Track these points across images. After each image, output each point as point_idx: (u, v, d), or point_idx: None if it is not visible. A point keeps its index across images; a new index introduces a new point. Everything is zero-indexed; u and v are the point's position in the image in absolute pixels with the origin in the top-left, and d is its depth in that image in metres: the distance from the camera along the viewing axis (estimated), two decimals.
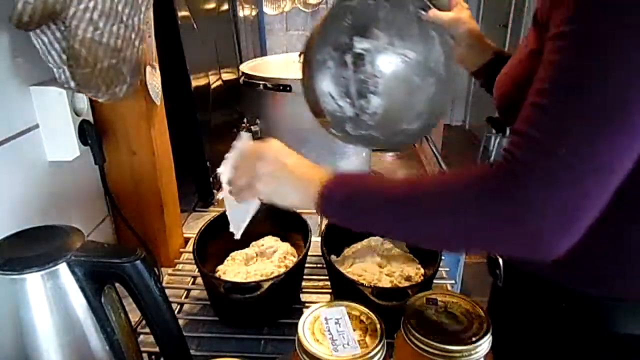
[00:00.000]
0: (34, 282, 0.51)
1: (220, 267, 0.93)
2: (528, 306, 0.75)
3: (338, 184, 0.61)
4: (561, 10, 0.50)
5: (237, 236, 0.76)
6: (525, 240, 0.51)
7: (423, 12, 0.93)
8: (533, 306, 0.73)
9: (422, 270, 0.92)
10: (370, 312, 0.59)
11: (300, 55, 0.97)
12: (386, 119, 1.00)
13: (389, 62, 1.01)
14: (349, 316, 0.58)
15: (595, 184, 0.49)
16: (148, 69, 0.87)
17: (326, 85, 0.98)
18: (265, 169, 0.64)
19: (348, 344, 0.54)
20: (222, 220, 0.95)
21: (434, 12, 0.91)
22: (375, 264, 0.90)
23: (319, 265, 1.00)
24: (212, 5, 1.47)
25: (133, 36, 0.76)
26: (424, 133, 0.98)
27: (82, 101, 0.84)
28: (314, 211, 0.62)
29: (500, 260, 0.75)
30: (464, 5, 0.92)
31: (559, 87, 0.49)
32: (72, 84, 0.72)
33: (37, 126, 0.77)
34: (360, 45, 0.99)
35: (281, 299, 0.88)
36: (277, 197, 0.65)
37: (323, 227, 1.02)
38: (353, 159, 1.17)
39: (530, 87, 0.52)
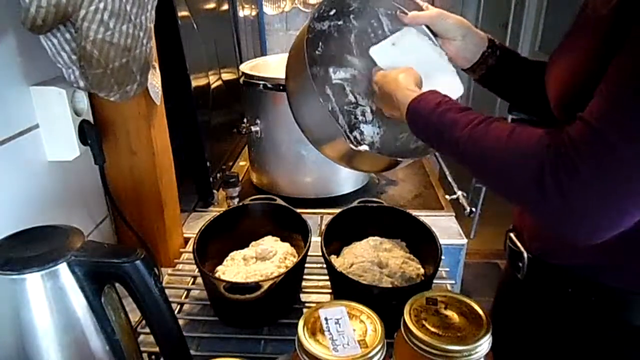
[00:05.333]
0: (34, 282, 0.51)
1: (220, 267, 0.93)
2: (546, 299, 0.74)
3: (422, 101, 0.71)
4: None
5: None
6: (556, 219, 0.54)
7: (404, 15, 0.86)
8: (554, 299, 0.73)
9: (422, 270, 0.92)
10: (371, 312, 0.59)
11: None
12: (388, 146, 0.91)
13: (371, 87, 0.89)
14: (349, 316, 0.58)
15: None
16: None
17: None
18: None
19: (348, 344, 0.54)
20: (222, 220, 0.96)
21: (414, 14, 0.85)
22: (375, 264, 0.90)
23: (319, 265, 1.00)
24: (212, 5, 1.47)
25: (141, 35, 0.76)
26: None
27: (82, 101, 0.84)
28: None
29: (525, 254, 0.75)
30: (434, 8, 0.86)
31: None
32: (82, 84, 0.73)
33: (37, 126, 0.77)
34: (337, 76, 0.92)
35: (281, 299, 0.87)
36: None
37: (323, 227, 1.02)
38: None
39: (594, 83, 0.52)
